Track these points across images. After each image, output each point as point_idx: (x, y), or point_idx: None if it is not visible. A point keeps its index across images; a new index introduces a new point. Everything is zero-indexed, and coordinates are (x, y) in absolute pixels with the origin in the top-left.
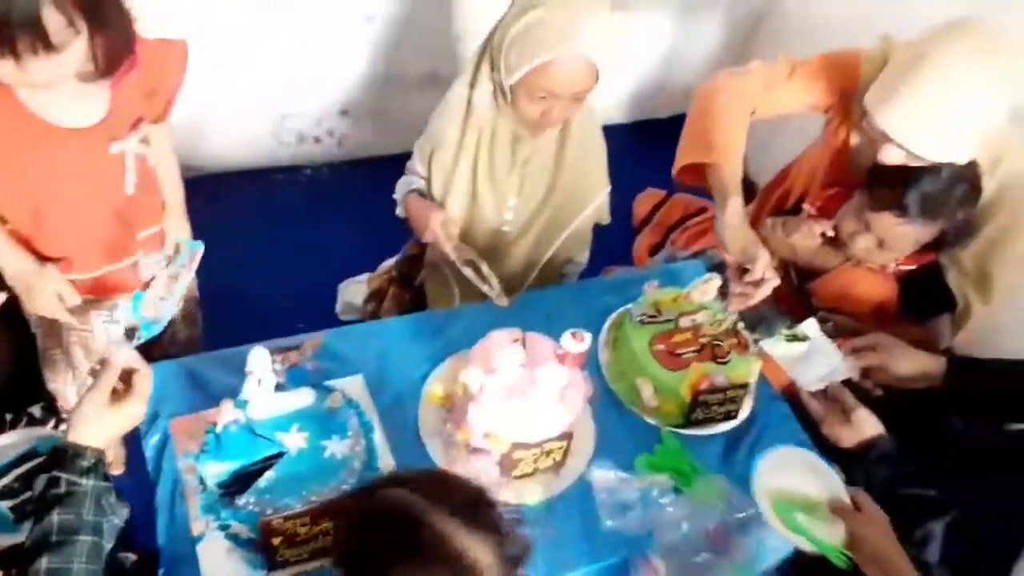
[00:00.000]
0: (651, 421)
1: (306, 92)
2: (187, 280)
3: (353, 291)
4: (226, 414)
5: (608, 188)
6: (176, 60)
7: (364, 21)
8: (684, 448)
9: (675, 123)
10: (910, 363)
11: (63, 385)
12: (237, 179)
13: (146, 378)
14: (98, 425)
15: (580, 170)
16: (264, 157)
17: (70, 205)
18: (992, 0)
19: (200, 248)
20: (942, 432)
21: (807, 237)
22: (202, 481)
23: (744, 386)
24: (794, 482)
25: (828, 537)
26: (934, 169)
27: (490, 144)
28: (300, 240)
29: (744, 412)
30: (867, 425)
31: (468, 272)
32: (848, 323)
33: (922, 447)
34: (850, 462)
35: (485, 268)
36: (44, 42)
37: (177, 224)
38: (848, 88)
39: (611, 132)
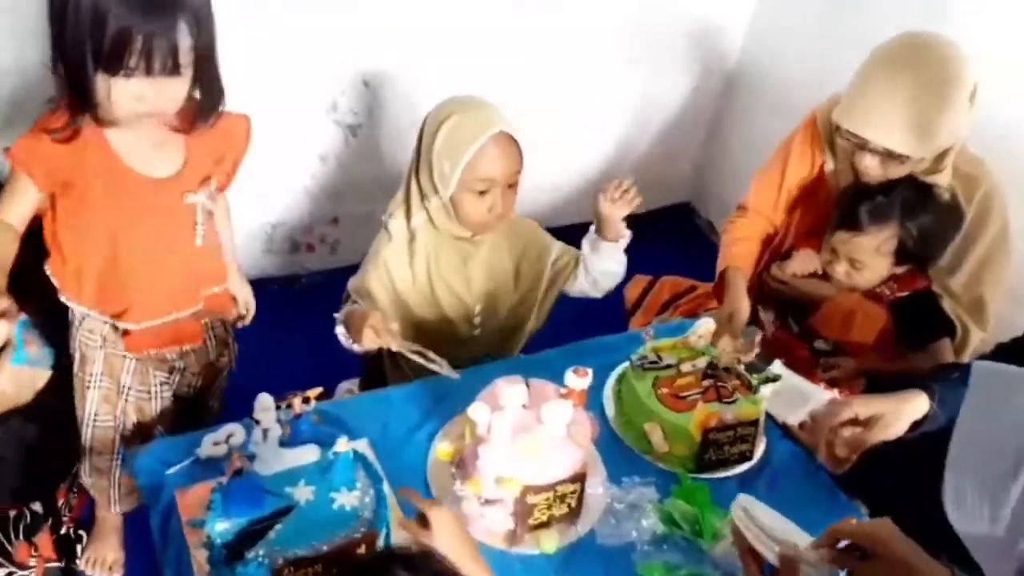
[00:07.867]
0: (663, 467)
1: (298, 202)
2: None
3: (348, 388)
4: (235, 464)
5: (556, 244)
6: (243, 132)
7: (349, 133)
8: (701, 487)
9: (654, 216)
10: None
11: None
12: None
13: None
14: None
15: (532, 246)
16: (255, 267)
17: (145, 251)
18: None
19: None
20: None
21: (804, 264)
22: (208, 545)
23: (754, 423)
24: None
25: None
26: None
27: (437, 263)
28: (296, 345)
29: (758, 452)
30: (872, 404)
31: (416, 358)
32: (850, 368)
33: None
34: (863, 480)
35: (431, 354)
36: (174, 61)
37: (240, 283)
38: (816, 137)
39: None
